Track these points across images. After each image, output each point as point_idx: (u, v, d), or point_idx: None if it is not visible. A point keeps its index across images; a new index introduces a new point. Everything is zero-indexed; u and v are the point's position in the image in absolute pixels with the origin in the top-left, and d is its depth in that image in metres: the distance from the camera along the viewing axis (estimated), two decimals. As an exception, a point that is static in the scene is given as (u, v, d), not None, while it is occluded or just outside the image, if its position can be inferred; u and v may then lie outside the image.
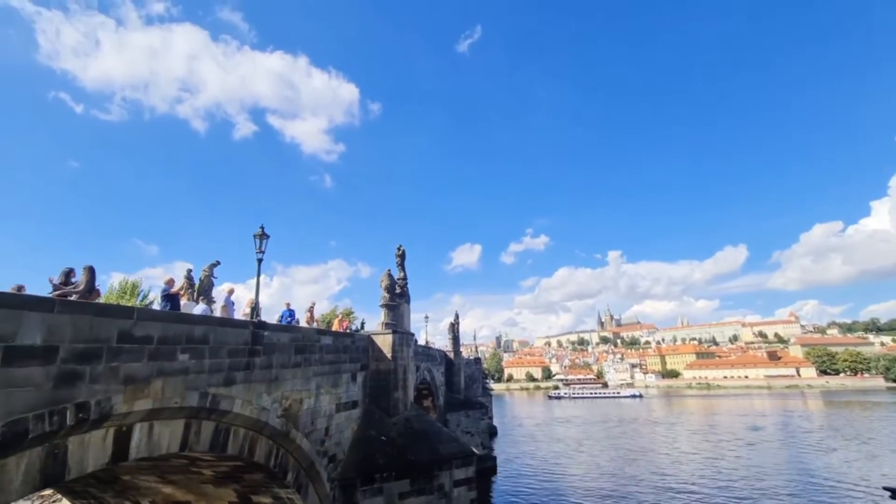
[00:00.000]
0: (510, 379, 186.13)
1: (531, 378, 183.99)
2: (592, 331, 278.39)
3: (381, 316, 19.70)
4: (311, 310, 17.95)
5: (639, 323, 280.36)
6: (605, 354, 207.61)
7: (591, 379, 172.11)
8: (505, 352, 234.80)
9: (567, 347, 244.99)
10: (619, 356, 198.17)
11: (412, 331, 21.85)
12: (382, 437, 17.23)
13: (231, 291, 13.37)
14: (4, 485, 5.77)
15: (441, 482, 16.94)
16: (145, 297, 31.86)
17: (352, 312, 47.17)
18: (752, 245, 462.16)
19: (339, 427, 15.50)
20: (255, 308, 12.47)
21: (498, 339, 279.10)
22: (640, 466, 39.81)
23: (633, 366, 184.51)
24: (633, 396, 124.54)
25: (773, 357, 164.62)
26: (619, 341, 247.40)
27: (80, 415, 6.54)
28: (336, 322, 22.36)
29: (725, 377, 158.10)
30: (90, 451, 7.00)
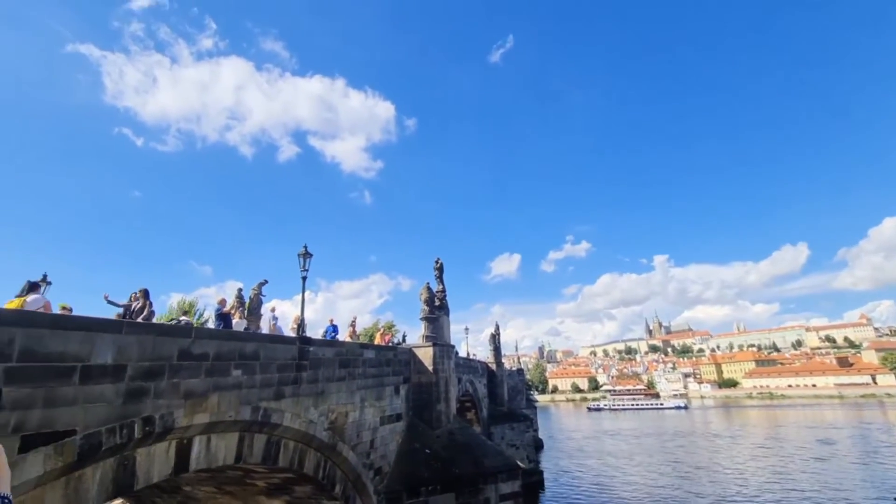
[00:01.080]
0: (555, 390, 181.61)
1: (577, 389, 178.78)
2: (640, 339, 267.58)
3: (421, 329, 19.90)
4: (353, 324, 18.42)
5: (690, 330, 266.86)
6: (655, 364, 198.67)
7: (641, 390, 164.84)
8: (548, 362, 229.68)
9: (614, 357, 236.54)
10: (670, 365, 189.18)
11: (452, 342, 21.92)
12: (426, 450, 17.29)
13: (273, 309, 13.96)
14: (82, 493, 6.28)
15: (486, 496, 16.74)
16: (201, 315, 33.75)
17: (393, 325, 47.80)
18: (813, 243, 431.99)
19: (384, 440, 15.70)
20: (301, 324, 12.96)
21: (541, 349, 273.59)
22: (699, 483, 37.62)
23: (687, 375, 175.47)
24: (679, 408, 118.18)
25: (844, 363, 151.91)
26: (669, 350, 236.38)
27: (147, 428, 7.03)
28: (378, 336, 22.77)
29: (790, 386, 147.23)
30: (156, 462, 7.49)
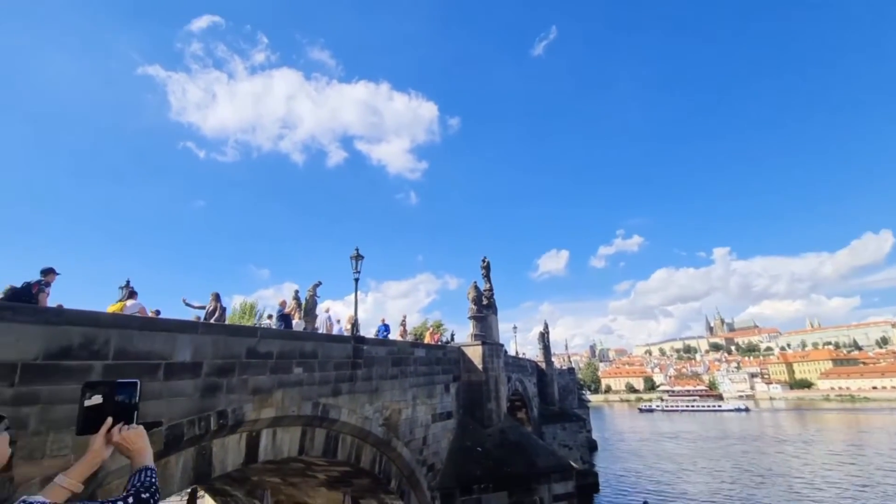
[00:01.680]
0: (608, 390, 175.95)
1: (632, 389, 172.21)
2: (700, 337, 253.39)
3: (469, 327, 20.05)
4: (403, 323, 18.83)
5: (756, 327, 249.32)
6: (716, 363, 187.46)
7: (702, 390, 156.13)
8: (601, 361, 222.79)
9: (671, 356, 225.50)
10: (734, 365, 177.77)
11: (501, 341, 21.87)
12: (478, 448, 17.39)
13: (328, 309, 14.57)
14: (168, 478, 6.93)
15: (539, 496, 16.61)
16: (261, 316, 35.72)
17: (442, 325, 48.32)
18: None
19: (436, 437, 15.98)
20: (355, 324, 13.47)
21: (592, 347, 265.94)
22: (770, 491, 35.21)
23: (753, 375, 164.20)
24: (739, 410, 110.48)
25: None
26: (733, 348, 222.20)
27: (221, 421, 7.63)
28: (428, 335, 23.16)
29: (875, 388, 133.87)
30: (229, 453, 8.11)
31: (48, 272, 6.96)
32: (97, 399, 1.45)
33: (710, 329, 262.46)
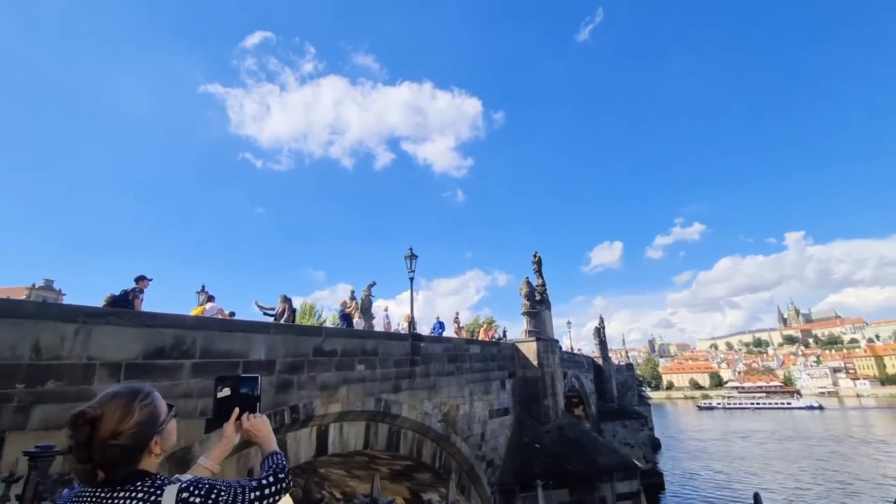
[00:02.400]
0: (670, 387, 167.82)
1: (696, 386, 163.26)
2: (772, 329, 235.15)
3: (522, 323, 19.89)
4: (457, 320, 19.01)
5: (838, 317, 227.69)
6: (792, 357, 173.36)
7: (776, 386, 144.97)
8: (661, 356, 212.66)
9: (739, 350, 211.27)
10: (812, 359, 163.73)
11: (555, 337, 21.52)
12: (536, 445, 17.26)
13: (386, 308, 15.01)
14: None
15: (602, 494, 16.23)
16: (320, 316, 37.36)
17: (494, 321, 48.20)
18: None
19: (494, 433, 16.04)
20: (412, 322, 13.80)
21: (651, 342, 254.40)
22: (861, 497, 32.21)
23: (836, 370, 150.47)
24: (811, 408, 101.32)
25: None
26: (810, 341, 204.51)
27: (294, 415, 8.12)
28: (482, 331, 23.23)
29: None
30: (301, 445, 8.61)
31: (140, 279, 7.72)
32: (226, 391, 1.65)
33: (784, 321, 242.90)
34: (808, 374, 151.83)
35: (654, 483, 34.25)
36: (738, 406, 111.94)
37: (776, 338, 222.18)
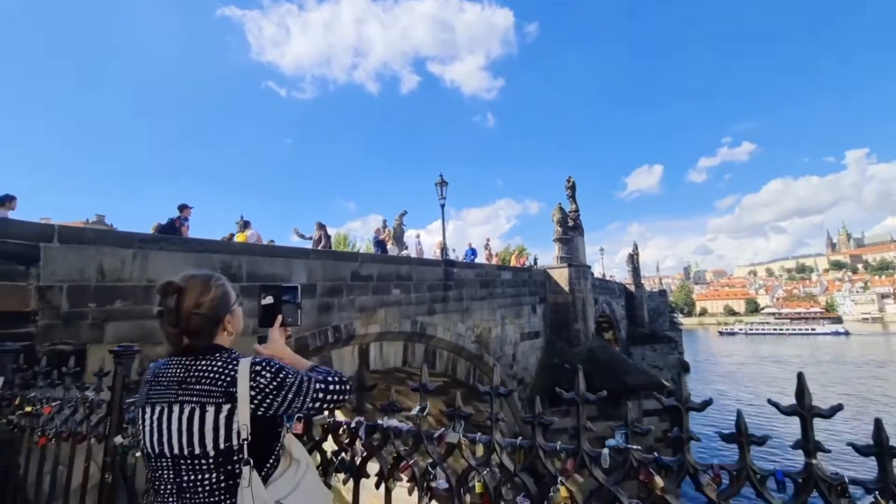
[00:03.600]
0: (703, 313, 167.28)
1: (731, 312, 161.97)
2: (818, 255, 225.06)
3: (554, 250, 19.86)
4: (488, 247, 19.16)
5: (893, 241, 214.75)
6: (837, 283, 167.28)
7: (816, 313, 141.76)
8: (695, 283, 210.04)
9: (780, 276, 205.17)
10: (860, 284, 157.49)
11: (587, 263, 21.49)
12: (566, 365, 17.97)
13: (418, 235, 15.22)
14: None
15: (629, 411, 17.01)
16: (353, 246, 38.47)
17: (525, 249, 48.33)
18: None
19: (525, 354, 16.75)
20: (444, 248, 14.02)
21: (686, 269, 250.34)
22: None
23: (884, 296, 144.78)
24: (837, 334, 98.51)
25: None
26: (860, 266, 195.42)
27: (336, 334, 8.69)
28: (513, 258, 23.42)
29: None
30: (345, 361, 9.30)
31: (184, 207, 8.07)
32: (269, 299, 1.75)
33: (833, 245, 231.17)
34: (853, 300, 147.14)
35: (680, 402, 35.41)
36: (759, 332, 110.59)
37: (822, 263, 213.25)
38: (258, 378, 1.44)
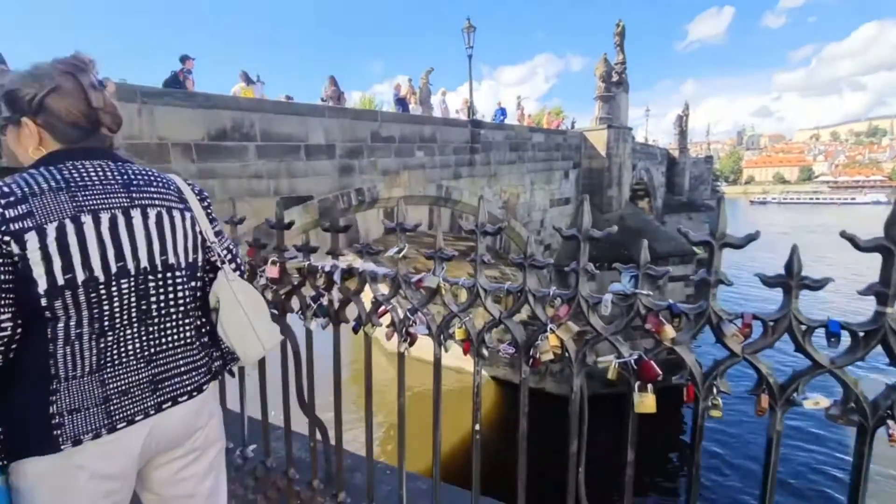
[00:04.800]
0: (750, 181, 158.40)
1: (781, 180, 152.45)
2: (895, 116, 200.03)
3: (594, 110, 18.19)
4: (520, 107, 17.74)
5: None
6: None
7: (876, 181, 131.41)
8: (747, 149, 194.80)
9: (846, 141, 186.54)
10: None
11: (629, 125, 19.78)
12: (595, 232, 17.88)
13: (444, 93, 14.07)
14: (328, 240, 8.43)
15: (655, 275, 17.23)
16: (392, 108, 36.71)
17: (561, 112, 44.91)
18: None
19: (553, 220, 16.57)
20: (471, 107, 13.01)
21: (739, 133, 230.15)
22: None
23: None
24: (877, 203, 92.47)
25: None
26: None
27: (360, 197, 8.61)
28: (545, 120, 21.80)
29: None
30: (370, 223, 9.41)
31: (185, 59, 7.49)
32: None
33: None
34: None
35: (708, 269, 35.72)
36: (794, 201, 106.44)
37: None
38: (194, 187, 1.29)
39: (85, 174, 1.08)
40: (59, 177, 1.05)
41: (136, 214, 1.11)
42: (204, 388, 1.25)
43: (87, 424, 1.03)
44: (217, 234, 1.35)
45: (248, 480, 2.11)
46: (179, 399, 1.18)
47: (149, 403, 1.12)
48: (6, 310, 0.99)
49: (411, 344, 1.53)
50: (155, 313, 1.14)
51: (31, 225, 0.97)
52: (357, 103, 38.64)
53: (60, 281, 0.99)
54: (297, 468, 2.03)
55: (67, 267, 1.00)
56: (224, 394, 2.20)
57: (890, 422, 0.87)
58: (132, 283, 1.08)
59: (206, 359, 1.28)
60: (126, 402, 1.08)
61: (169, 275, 1.15)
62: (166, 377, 1.16)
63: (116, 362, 1.07)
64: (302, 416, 1.91)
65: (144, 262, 1.10)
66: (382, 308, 1.60)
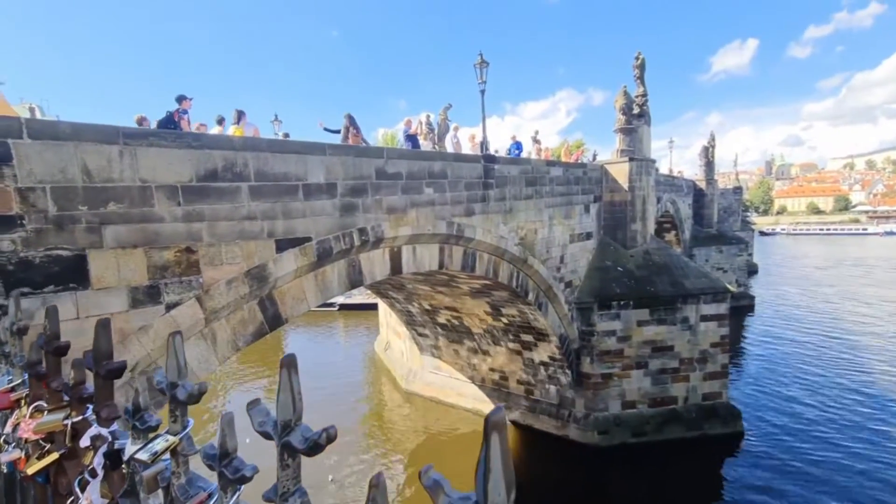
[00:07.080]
0: (782, 212, 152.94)
1: (815, 210, 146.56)
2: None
3: (615, 143, 17.61)
4: (536, 140, 17.32)
5: None
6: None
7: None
8: (777, 179, 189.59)
9: (883, 169, 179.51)
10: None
11: (652, 157, 19.05)
12: (619, 268, 16.90)
13: (456, 129, 13.76)
14: (327, 284, 7.92)
15: (685, 315, 16.05)
16: (402, 145, 37.17)
17: (583, 144, 44.55)
18: None
19: (574, 256, 15.78)
20: (483, 142, 12.62)
21: (768, 163, 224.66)
22: None
23: None
24: (890, 234, 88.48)
25: None
26: None
27: (363, 237, 8.14)
28: (564, 152, 21.30)
29: None
30: (375, 264, 8.88)
31: (182, 99, 7.33)
32: None
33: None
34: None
35: (743, 305, 33.78)
36: (803, 232, 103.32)
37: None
38: None
39: None
40: None
41: None
42: None
43: None
44: None
45: None
46: None
47: None
48: None
49: None
50: None
51: None
52: (380, 139, 39.30)
53: None
54: None
55: None
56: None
57: None
58: None
59: None
60: None
61: None
62: None
63: None
64: None
65: None
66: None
